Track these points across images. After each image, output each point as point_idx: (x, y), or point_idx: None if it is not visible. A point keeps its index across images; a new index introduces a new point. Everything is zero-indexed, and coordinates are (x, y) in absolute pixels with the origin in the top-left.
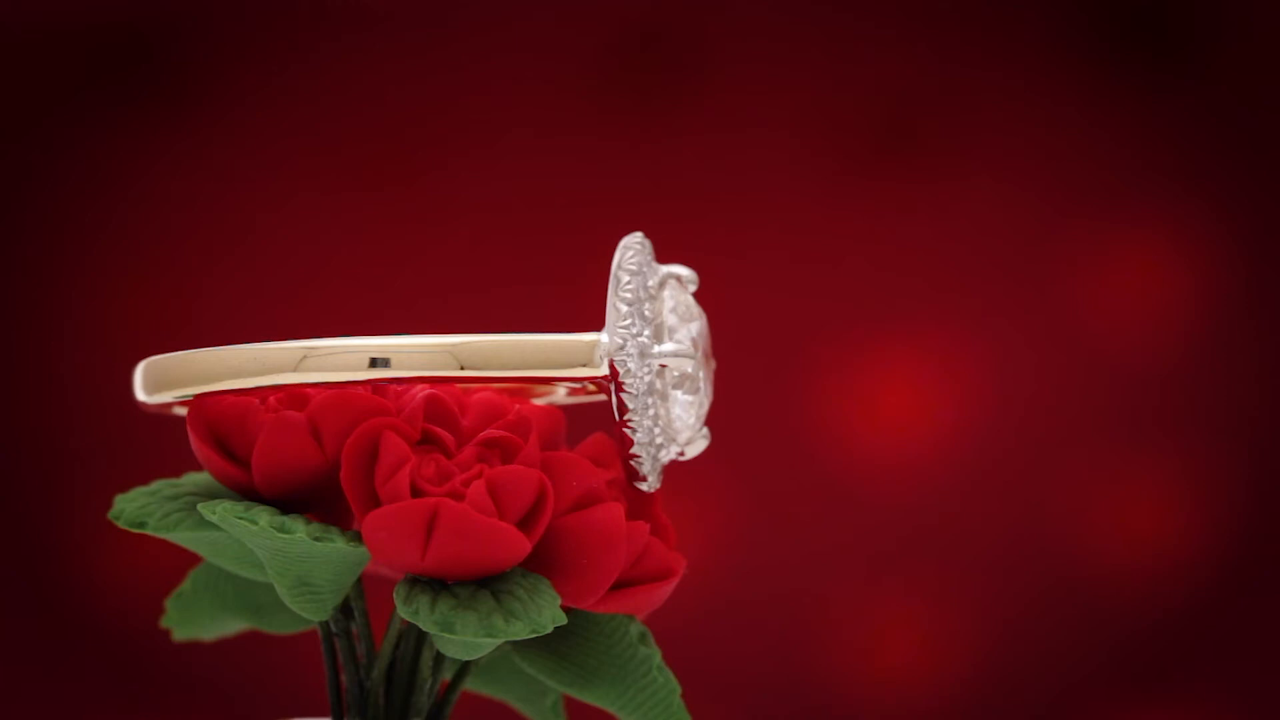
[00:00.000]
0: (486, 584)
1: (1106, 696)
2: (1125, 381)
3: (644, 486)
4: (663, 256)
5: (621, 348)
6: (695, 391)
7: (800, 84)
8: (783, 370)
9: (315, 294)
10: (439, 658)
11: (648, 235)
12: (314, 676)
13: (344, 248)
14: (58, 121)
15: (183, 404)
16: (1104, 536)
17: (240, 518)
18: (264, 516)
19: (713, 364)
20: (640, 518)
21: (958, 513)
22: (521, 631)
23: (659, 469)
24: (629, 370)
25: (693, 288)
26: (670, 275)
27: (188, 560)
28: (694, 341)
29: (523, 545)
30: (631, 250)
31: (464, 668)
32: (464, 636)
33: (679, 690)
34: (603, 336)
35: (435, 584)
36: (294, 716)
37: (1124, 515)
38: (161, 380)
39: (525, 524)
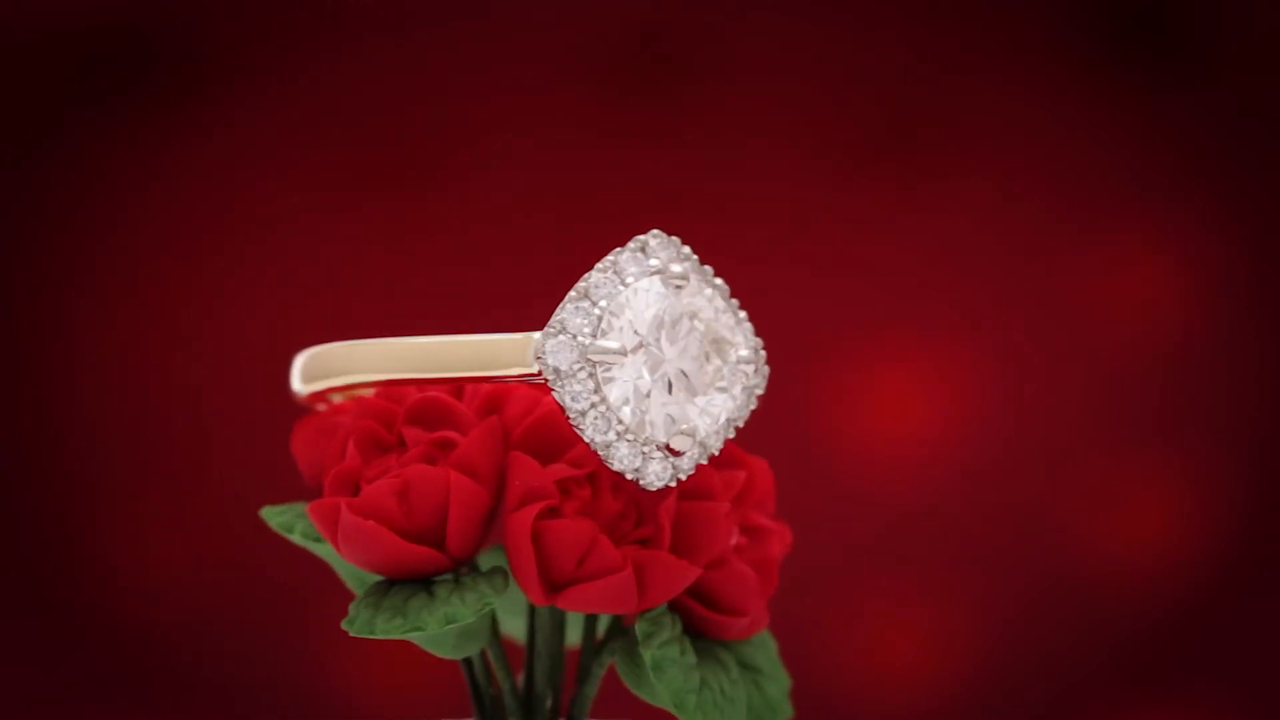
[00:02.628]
0: (427, 583)
1: (1106, 696)
2: (1125, 382)
3: (642, 484)
4: None
5: (541, 344)
6: (669, 388)
7: (800, 86)
8: (782, 371)
9: (316, 295)
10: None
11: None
12: (316, 676)
13: (344, 248)
14: (60, 122)
15: (341, 390)
16: (1104, 536)
17: (269, 519)
18: (277, 517)
19: (739, 364)
20: (644, 520)
21: (958, 513)
22: (398, 630)
23: (657, 467)
24: (548, 366)
25: (678, 283)
26: (656, 272)
27: (188, 563)
28: (649, 337)
29: (399, 546)
30: (625, 248)
31: (590, 668)
32: (353, 633)
33: (668, 697)
34: (535, 335)
35: (393, 583)
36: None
37: (1124, 515)
38: (320, 370)
39: (443, 524)
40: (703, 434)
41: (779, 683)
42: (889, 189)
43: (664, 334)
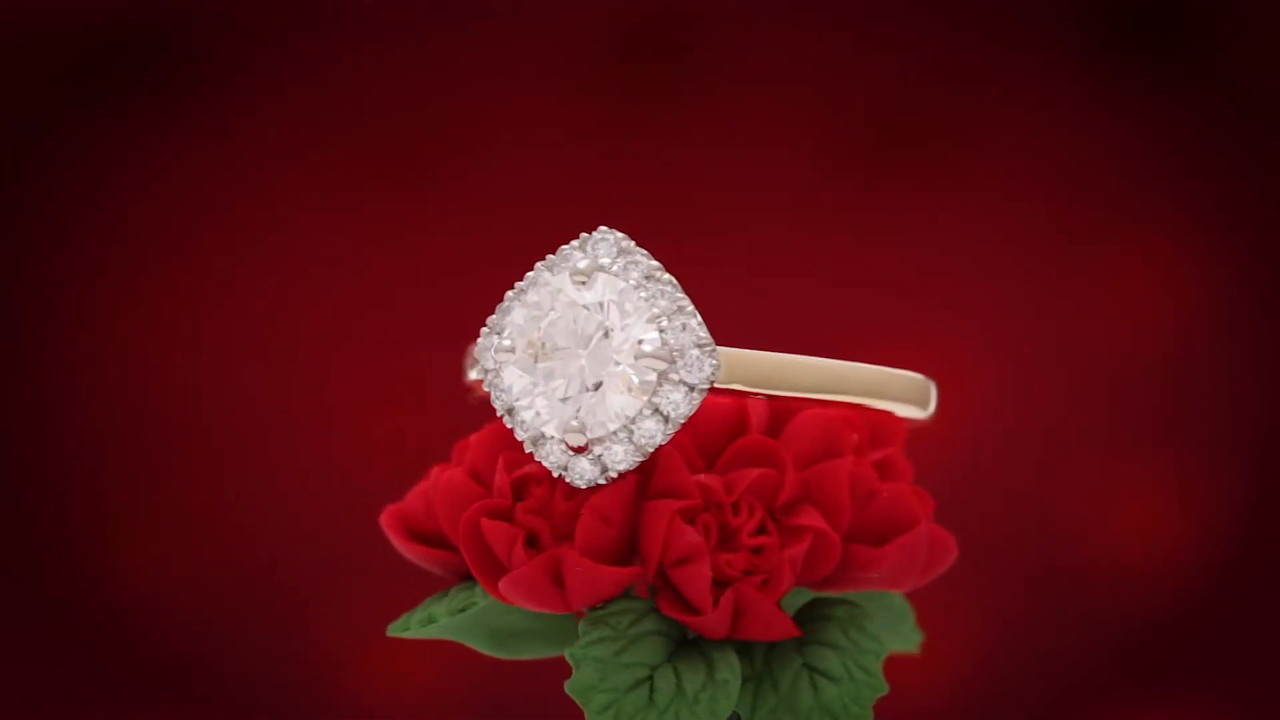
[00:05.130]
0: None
1: (1106, 696)
2: (1126, 382)
3: (568, 481)
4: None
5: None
6: (558, 385)
7: (801, 88)
8: None
9: (317, 294)
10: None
11: (647, 242)
12: (316, 677)
13: (344, 248)
14: (60, 122)
15: None
16: (1104, 537)
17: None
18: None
19: (640, 359)
20: (570, 520)
21: (957, 513)
22: (397, 629)
23: (585, 465)
24: (478, 366)
25: (582, 280)
26: (568, 268)
27: (189, 563)
28: (539, 337)
29: (412, 548)
30: (569, 245)
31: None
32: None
33: (574, 693)
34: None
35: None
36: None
37: (1124, 516)
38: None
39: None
40: (597, 432)
41: (850, 688)
42: (890, 190)
43: (553, 331)
